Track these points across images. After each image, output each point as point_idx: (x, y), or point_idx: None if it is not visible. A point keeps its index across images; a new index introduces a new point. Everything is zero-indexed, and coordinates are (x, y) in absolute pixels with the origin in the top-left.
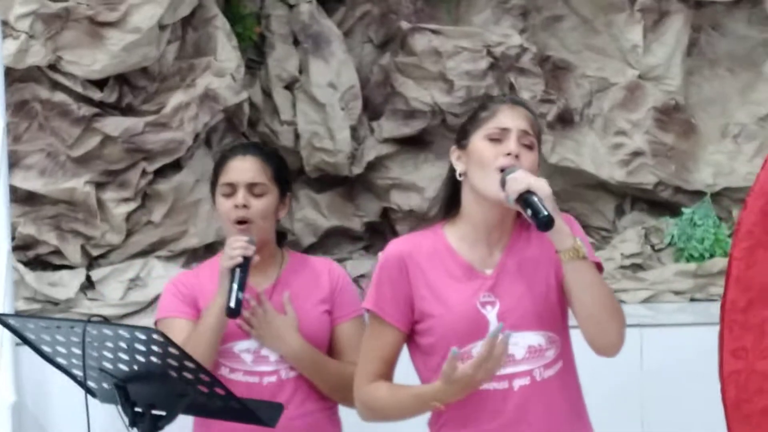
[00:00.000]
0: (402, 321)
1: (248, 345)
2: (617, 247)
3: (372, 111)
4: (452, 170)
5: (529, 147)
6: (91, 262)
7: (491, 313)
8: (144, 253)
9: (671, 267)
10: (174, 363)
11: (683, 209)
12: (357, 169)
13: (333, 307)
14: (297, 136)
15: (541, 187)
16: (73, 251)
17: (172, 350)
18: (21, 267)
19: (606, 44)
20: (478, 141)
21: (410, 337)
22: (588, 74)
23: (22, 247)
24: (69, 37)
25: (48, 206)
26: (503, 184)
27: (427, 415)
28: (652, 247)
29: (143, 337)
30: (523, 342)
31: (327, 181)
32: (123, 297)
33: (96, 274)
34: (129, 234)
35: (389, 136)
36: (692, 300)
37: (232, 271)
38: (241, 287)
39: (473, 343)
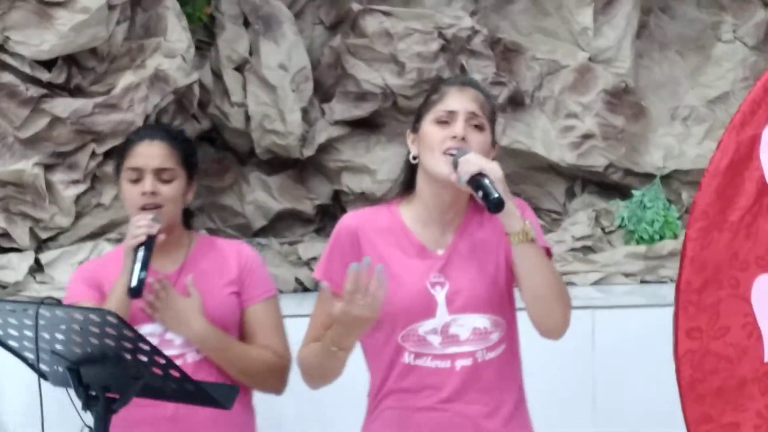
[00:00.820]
0: None
1: (152, 328)
2: (568, 230)
3: (323, 93)
4: (408, 152)
5: (479, 127)
6: (40, 245)
7: (440, 294)
8: (94, 236)
9: (621, 249)
10: (128, 345)
11: (633, 192)
12: (308, 152)
13: (242, 289)
14: (248, 118)
15: (493, 169)
16: (21, 234)
17: (126, 332)
18: None
19: (556, 27)
20: (427, 125)
21: None
22: (539, 57)
23: None
24: (17, 16)
25: None
26: (455, 165)
27: (367, 387)
28: (603, 229)
29: (97, 318)
30: (469, 324)
31: (278, 163)
32: None
33: (45, 257)
34: (78, 216)
35: (340, 119)
36: (642, 282)
37: (136, 250)
38: (144, 267)
39: (420, 322)
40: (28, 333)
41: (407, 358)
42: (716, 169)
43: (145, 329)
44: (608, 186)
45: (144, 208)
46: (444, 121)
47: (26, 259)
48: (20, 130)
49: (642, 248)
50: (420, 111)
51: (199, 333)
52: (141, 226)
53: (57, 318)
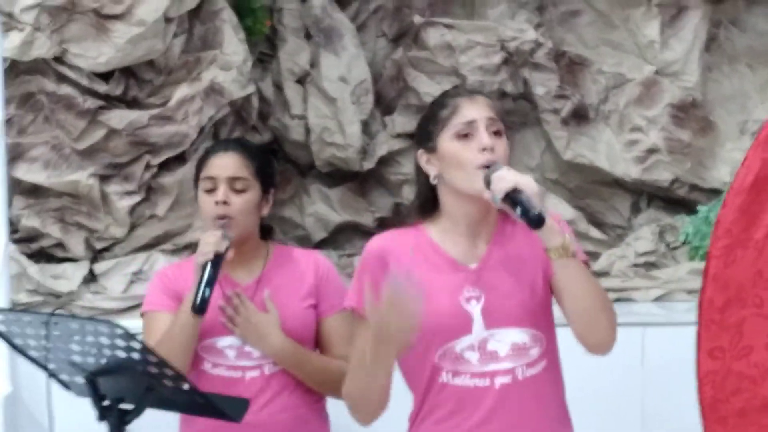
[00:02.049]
0: None
1: (231, 341)
2: (631, 245)
3: (385, 106)
4: (421, 173)
5: (498, 133)
6: (95, 255)
7: (475, 308)
8: (147, 247)
9: (685, 265)
10: (137, 357)
11: (699, 207)
12: (368, 164)
13: (318, 300)
14: (308, 131)
15: (529, 184)
16: (76, 244)
17: (134, 344)
18: (24, 259)
19: (623, 39)
20: (447, 142)
21: None
22: (604, 70)
23: (25, 239)
24: (74, 29)
25: (52, 199)
26: (487, 183)
27: (409, 409)
28: (667, 245)
29: (106, 330)
30: (507, 339)
31: (339, 176)
32: (125, 290)
33: (99, 267)
34: (133, 227)
35: (402, 131)
36: None
37: (203, 267)
38: (209, 284)
39: (456, 340)
40: (45, 343)
41: (445, 377)
42: (741, 186)
43: (225, 341)
44: (674, 201)
45: (218, 218)
46: (465, 135)
47: (80, 269)
48: (77, 141)
49: None
50: (430, 129)
51: (277, 348)
52: (209, 243)
53: (70, 329)
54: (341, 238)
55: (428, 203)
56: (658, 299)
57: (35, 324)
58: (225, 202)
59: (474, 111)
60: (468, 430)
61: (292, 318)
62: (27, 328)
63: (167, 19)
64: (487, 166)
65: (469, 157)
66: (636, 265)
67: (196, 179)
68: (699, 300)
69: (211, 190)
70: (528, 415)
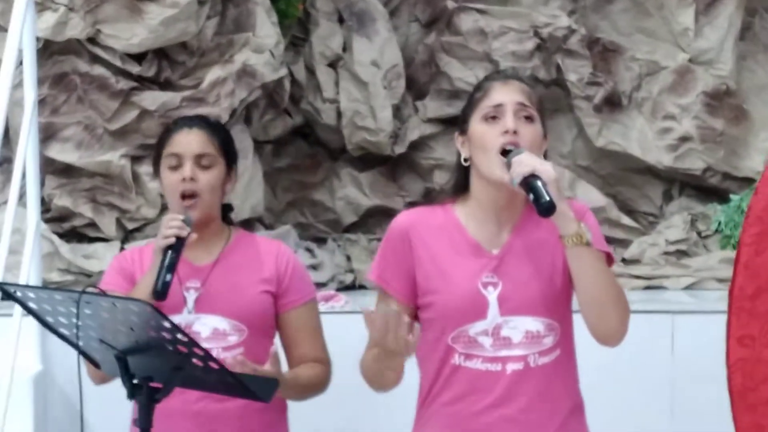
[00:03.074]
0: (404, 293)
1: (179, 320)
2: (663, 233)
3: (417, 90)
4: (458, 155)
5: (529, 119)
6: (126, 236)
7: (492, 295)
8: None
9: (717, 254)
10: (168, 336)
11: (731, 196)
12: (399, 149)
13: (281, 292)
14: (339, 115)
15: (546, 170)
16: (108, 224)
17: (164, 323)
18: (56, 239)
19: (657, 27)
20: (476, 124)
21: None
22: (638, 57)
23: (57, 218)
24: (108, 10)
25: (84, 179)
26: (509, 166)
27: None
28: (699, 233)
29: (136, 309)
30: (522, 326)
31: (370, 160)
32: None
33: (130, 247)
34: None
35: (433, 116)
36: None
37: (164, 251)
38: (171, 269)
39: (471, 324)
40: (76, 321)
41: (457, 359)
42: None
43: (174, 321)
44: (706, 190)
45: (183, 196)
46: (492, 117)
47: (112, 249)
48: (110, 122)
49: None
50: (465, 112)
51: (282, 388)
52: (171, 227)
53: (100, 307)
54: (371, 222)
55: (460, 184)
56: (688, 287)
57: (66, 302)
58: (192, 179)
59: (503, 95)
60: (477, 413)
61: (246, 298)
62: (58, 306)
63: (200, 2)
64: (508, 151)
65: (491, 139)
66: (667, 253)
67: (158, 156)
68: (730, 287)
69: (175, 167)
70: (538, 403)
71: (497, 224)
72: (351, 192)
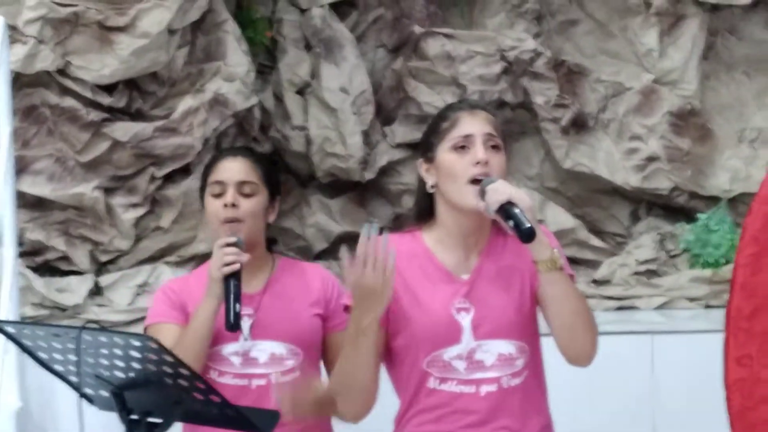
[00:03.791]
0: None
1: (237, 347)
2: (632, 253)
3: (385, 116)
4: (422, 182)
5: (496, 147)
6: (100, 268)
7: (465, 320)
8: (153, 259)
9: (686, 273)
10: (169, 370)
11: (699, 215)
12: (369, 175)
13: (327, 314)
14: (309, 141)
15: (522, 198)
16: (81, 257)
17: (166, 357)
18: (29, 273)
19: (621, 48)
20: (444, 153)
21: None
22: (603, 79)
23: (30, 252)
24: (78, 41)
25: (56, 212)
26: (482, 194)
27: (394, 411)
28: (667, 253)
29: (138, 343)
30: (495, 350)
31: (339, 186)
32: (131, 303)
33: (104, 279)
34: (138, 240)
35: (402, 141)
36: (707, 307)
37: (227, 280)
38: (238, 298)
39: (445, 348)
40: (72, 357)
41: (432, 383)
42: (767, 194)
43: (230, 348)
44: (673, 209)
45: (225, 221)
46: (461, 147)
47: (86, 282)
48: (81, 153)
49: (707, 272)
50: (431, 140)
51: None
52: (230, 253)
53: (99, 342)
54: (341, 248)
55: (425, 211)
56: (660, 307)
57: (63, 338)
58: (234, 205)
59: (472, 125)
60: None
61: (300, 322)
62: (54, 343)
63: (170, 31)
64: (479, 180)
65: (463, 170)
66: (637, 273)
67: (203, 185)
68: (726, 308)
69: (219, 195)
70: (512, 423)
71: (465, 250)
72: (321, 219)
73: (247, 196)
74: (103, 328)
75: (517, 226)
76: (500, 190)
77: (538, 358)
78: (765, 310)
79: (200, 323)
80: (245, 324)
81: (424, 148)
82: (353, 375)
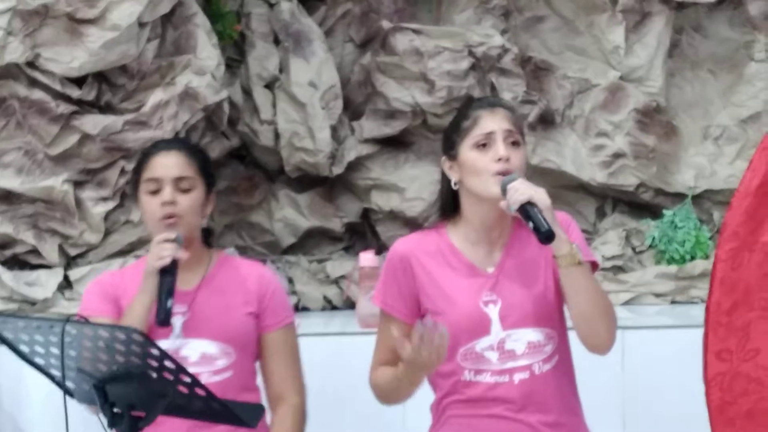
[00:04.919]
0: (406, 314)
1: (167, 345)
2: (598, 249)
3: (353, 111)
4: (445, 179)
5: (516, 144)
6: (69, 262)
7: (493, 312)
8: (123, 253)
9: (652, 269)
10: (154, 363)
11: (664, 211)
12: (337, 170)
13: (261, 314)
14: (277, 136)
15: (541, 198)
16: (50, 250)
17: (152, 350)
18: None
19: (588, 45)
20: (467, 151)
21: None
22: (569, 75)
23: None
24: (47, 34)
25: (25, 205)
26: (504, 192)
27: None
28: (633, 249)
29: (123, 336)
30: (524, 338)
31: (307, 181)
32: None
33: (74, 273)
34: (107, 233)
35: (370, 137)
36: (673, 302)
37: (161, 275)
38: (171, 294)
39: (476, 340)
40: (54, 350)
41: (467, 375)
42: (747, 189)
43: (161, 345)
44: (639, 205)
45: (164, 218)
46: (483, 144)
47: (55, 276)
48: (50, 146)
49: (673, 268)
50: (452, 137)
51: None
52: (166, 248)
53: (82, 335)
54: (310, 243)
55: (449, 207)
56: (627, 303)
57: (46, 331)
58: (172, 202)
59: (493, 123)
60: (493, 417)
61: (231, 322)
62: (36, 335)
63: (141, 24)
64: (503, 175)
65: (484, 165)
66: (604, 269)
67: (136, 182)
68: (706, 303)
69: (155, 192)
70: (547, 407)
71: (489, 244)
72: (289, 213)
73: (185, 191)
74: (87, 320)
75: (537, 229)
76: (521, 190)
77: (566, 344)
78: (744, 304)
79: (132, 318)
80: (178, 321)
81: (446, 146)
82: (399, 397)
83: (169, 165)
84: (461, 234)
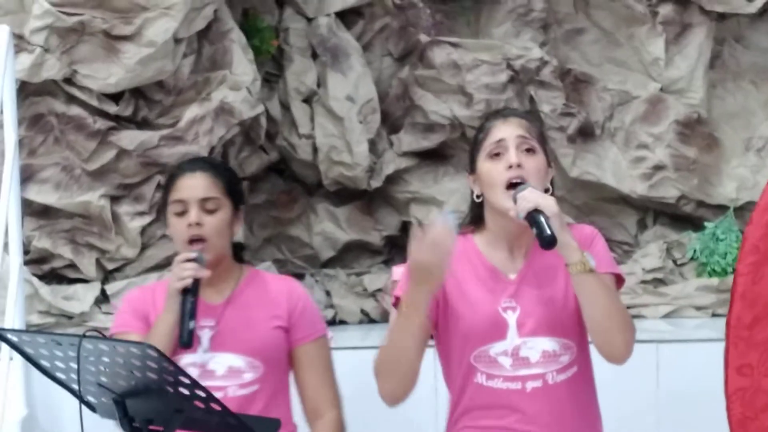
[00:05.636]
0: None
1: (194, 358)
2: (639, 262)
3: (391, 124)
4: (473, 192)
5: (531, 150)
6: (106, 276)
7: (511, 318)
8: (159, 267)
9: (693, 282)
10: (170, 378)
11: (706, 223)
12: (376, 183)
13: (292, 327)
14: (315, 150)
15: (549, 205)
16: (87, 265)
17: (167, 365)
18: (35, 281)
19: (628, 57)
20: (482, 163)
21: (435, 335)
22: (609, 87)
23: (36, 260)
24: (84, 50)
25: (63, 220)
26: (515, 201)
27: (442, 408)
28: (674, 261)
29: (138, 352)
30: (539, 346)
31: (346, 194)
32: None
33: (111, 287)
34: (144, 248)
35: (408, 150)
36: (714, 315)
37: (183, 295)
38: (192, 315)
39: (491, 344)
40: (73, 365)
41: (479, 378)
42: (767, 203)
43: (187, 359)
44: (680, 218)
45: (191, 241)
46: (496, 153)
47: (92, 290)
48: (87, 162)
49: (714, 281)
50: (472, 152)
51: None
52: (188, 268)
53: (100, 350)
54: (349, 256)
55: (477, 218)
56: (667, 316)
57: (65, 346)
58: (198, 224)
59: (504, 131)
60: (504, 428)
61: (258, 333)
62: (56, 351)
63: (176, 40)
64: (516, 183)
65: (498, 175)
66: (644, 282)
67: (164, 203)
68: (727, 317)
69: (181, 213)
70: (559, 417)
71: (511, 251)
72: (328, 227)
73: (211, 212)
74: (104, 335)
75: (539, 234)
76: (528, 198)
77: (587, 357)
78: (765, 319)
79: (156, 336)
80: (205, 335)
81: (470, 161)
82: (398, 357)
83: (194, 186)
84: (486, 240)
